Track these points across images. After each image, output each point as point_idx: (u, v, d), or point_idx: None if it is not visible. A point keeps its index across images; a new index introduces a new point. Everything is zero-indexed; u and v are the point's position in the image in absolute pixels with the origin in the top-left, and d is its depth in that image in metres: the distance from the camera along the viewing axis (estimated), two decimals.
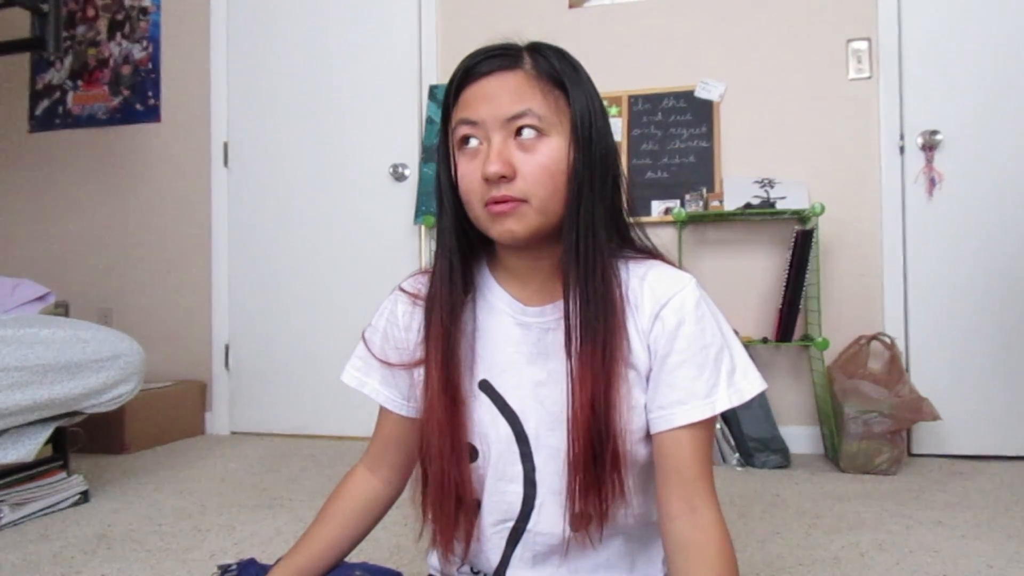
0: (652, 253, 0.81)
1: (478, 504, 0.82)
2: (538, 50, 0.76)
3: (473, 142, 0.74)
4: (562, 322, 0.77)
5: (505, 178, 0.71)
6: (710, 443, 0.77)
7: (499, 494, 0.80)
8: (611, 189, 0.77)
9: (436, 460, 0.78)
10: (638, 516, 0.81)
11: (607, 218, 0.76)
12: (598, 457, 0.73)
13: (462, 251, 0.80)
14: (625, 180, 0.80)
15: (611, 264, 0.76)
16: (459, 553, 0.82)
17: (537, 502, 0.79)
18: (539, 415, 0.78)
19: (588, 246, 0.74)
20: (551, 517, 0.79)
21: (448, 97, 0.77)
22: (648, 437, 0.77)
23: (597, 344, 0.74)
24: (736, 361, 0.77)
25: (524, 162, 0.72)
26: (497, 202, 0.72)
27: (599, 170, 0.75)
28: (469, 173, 0.74)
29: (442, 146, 0.79)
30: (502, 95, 0.73)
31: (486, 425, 0.79)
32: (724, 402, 0.74)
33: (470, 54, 0.76)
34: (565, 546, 0.79)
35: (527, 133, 0.72)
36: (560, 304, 0.78)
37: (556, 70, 0.75)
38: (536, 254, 0.78)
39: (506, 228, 0.73)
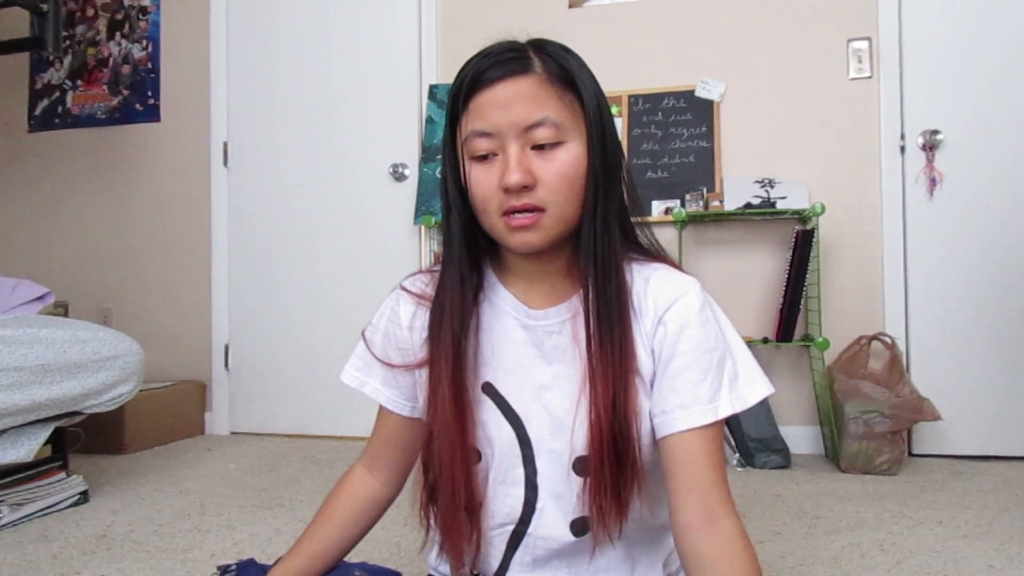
0: (657, 255, 0.80)
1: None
2: (544, 48, 0.74)
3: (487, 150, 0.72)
4: (565, 326, 0.77)
5: (526, 187, 0.70)
6: (721, 449, 0.75)
7: (500, 497, 0.79)
8: (619, 186, 0.77)
9: (446, 469, 0.76)
10: (641, 521, 0.81)
11: (619, 216, 0.76)
12: (616, 458, 0.73)
13: (472, 257, 0.78)
14: (628, 176, 0.79)
15: (622, 265, 0.76)
16: (468, 560, 0.80)
17: (538, 505, 0.79)
18: (542, 418, 0.78)
19: (604, 246, 0.74)
20: (552, 521, 0.78)
21: (456, 103, 0.74)
22: (653, 443, 0.76)
23: (615, 344, 0.73)
24: (739, 366, 0.76)
25: (543, 170, 0.71)
26: (516, 211, 0.71)
27: (612, 167, 0.75)
28: (485, 182, 0.72)
29: (448, 151, 0.76)
30: (518, 103, 0.70)
31: (489, 428, 0.78)
32: (727, 407, 0.73)
33: (476, 57, 0.73)
34: (569, 549, 0.79)
35: (545, 141, 0.71)
36: (563, 307, 0.78)
37: (567, 71, 0.73)
38: (545, 257, 0.77)
39: (525, 240, 0.72)
